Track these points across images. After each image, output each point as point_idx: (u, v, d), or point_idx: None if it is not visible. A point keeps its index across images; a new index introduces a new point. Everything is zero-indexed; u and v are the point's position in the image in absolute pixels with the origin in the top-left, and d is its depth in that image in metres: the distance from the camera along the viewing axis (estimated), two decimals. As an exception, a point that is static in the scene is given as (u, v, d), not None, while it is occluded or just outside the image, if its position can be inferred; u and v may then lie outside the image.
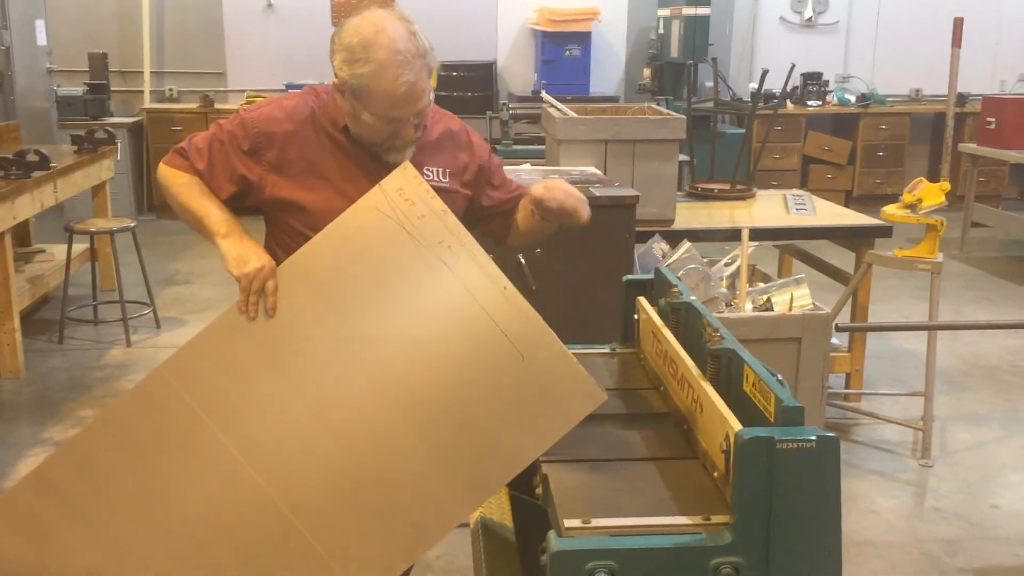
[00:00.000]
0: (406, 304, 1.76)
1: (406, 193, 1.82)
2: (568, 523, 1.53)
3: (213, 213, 1.95)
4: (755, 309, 3.58)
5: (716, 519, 1.56)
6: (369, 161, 1.98)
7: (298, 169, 1.98)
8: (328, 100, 2.01)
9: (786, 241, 4.69)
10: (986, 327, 3.43)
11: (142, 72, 8.29)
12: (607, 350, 2.51)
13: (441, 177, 2.07)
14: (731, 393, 1.83)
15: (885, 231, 4.20)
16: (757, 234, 4.08)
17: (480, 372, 1.75)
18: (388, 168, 1.90)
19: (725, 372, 1.86)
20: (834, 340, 4.22)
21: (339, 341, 1.76)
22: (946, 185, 3.81)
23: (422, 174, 1.91)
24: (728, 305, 3.55)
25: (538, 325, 1.78)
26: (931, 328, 3.76)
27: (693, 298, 2.18)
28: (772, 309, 3.56)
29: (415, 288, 1.77)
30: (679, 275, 3.79)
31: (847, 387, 4.33)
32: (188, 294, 5.95)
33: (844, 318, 4.21)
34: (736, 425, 1.60)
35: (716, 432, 1.71)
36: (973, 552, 3.09)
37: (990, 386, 4.63)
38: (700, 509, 1.60)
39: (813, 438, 1.50)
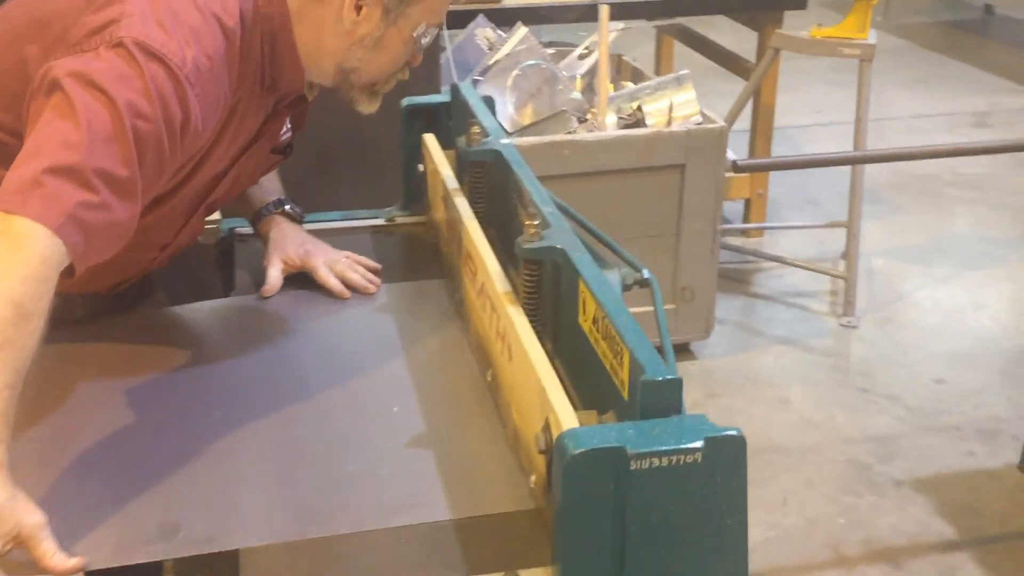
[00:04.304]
0: None
1: None
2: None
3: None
4: (621, 124, 3.04)
5: (528, 579, 1.06)
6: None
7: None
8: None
9: (666, 20, 4.19)
10: (933, 155, 3.00)
11: None
12: (382, 221, 1.94)
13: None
14: (561, 329, 1.30)
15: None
16: (623, 10, 3.50)
17: None
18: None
19: (551, 290, 1.32)
20: (730, 154, 3.76)
21: None
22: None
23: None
24: (582, 120, 3.00)
25: None
26: (863, 160, 3.32)
27: (506, 142, 1.60)
28: (644, 123, 3.02)
29: None
30: (513, 75, 3.20)
31: (746, 220, 3.92)
32: None
33: (743, 123, 3.74)
34: (561, 413, 1.07)
35: (531, 409, 1.19)
36: (913, 453, 2.77)
37: (929, 205, 4.32)
38: (503, 552, 1.10)
39: (699, 445, 0.98)
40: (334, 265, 1.71)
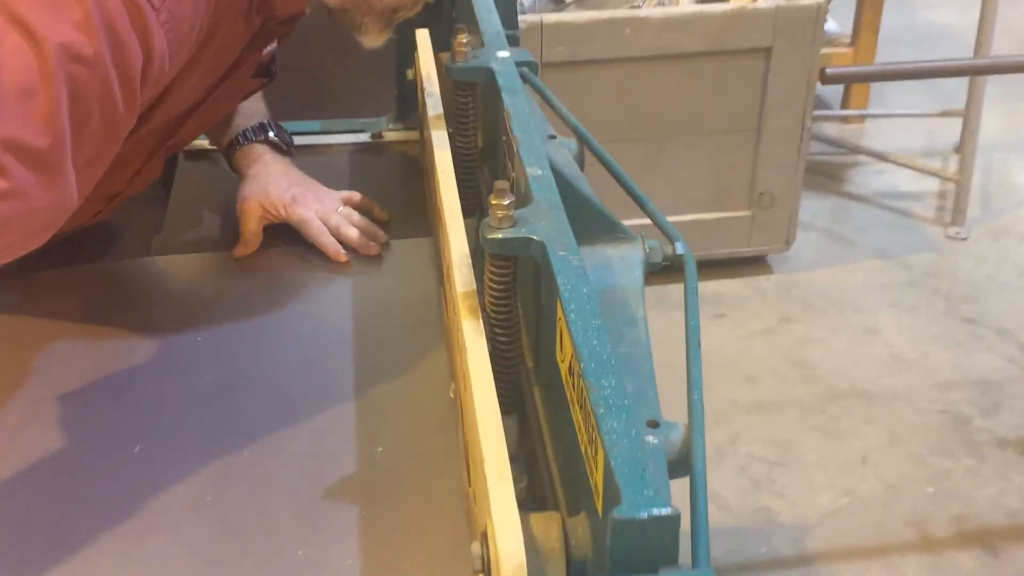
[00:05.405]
0: None
1: None
2: None
3: None
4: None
5: None
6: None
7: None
8: None
9: None
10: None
11: None
12: (368, 137, 1.57)
13: None
14: (543, 349, 0.93)
15: None
16: None
17: None
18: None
19: (532, 293, 0.94)
20: (831, 25, 3.26)
21: None
22: None
23: None
24: (650, -8, 2.53)
25: None
26: (992, 70, 2.75)
27: (504, 55, 1.19)
28: (725, -3, 2.55)
29: None
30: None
31: (844, 105, 3.42)
32: None
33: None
34: (501, 527, 0.71)
35: (480, 484, 0.83)
36: (1023, 405, 2.35)
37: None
38: None
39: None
40: (328, 217, 1.33)
